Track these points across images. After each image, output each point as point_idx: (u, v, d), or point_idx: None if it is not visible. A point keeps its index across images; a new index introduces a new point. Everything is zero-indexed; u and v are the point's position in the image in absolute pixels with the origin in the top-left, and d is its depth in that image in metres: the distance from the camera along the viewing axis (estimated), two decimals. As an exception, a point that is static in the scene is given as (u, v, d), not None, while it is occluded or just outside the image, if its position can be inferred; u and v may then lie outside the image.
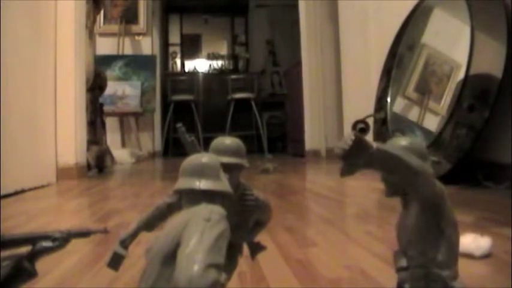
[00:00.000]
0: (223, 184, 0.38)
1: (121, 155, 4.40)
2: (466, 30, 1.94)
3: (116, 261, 0.48)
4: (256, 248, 0.53)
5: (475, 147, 1.80)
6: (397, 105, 2.41)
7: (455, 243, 0.40)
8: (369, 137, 2.65)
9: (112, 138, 4.74)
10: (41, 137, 2.56)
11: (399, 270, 0.40)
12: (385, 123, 2.43)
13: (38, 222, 1.37)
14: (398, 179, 0.39)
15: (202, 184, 0.37)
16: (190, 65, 7.05)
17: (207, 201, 0.36)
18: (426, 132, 2.11)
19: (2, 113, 1.99)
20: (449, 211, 0.39)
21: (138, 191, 2.20)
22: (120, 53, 5.56)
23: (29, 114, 2.40)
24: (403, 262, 0.40)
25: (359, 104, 3.18)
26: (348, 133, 0.36)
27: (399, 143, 0.40)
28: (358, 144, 0.34)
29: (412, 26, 2.41)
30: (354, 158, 0.35)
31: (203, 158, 0.39)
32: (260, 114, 6.15)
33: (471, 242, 0.82)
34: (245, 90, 6.01)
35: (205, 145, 0.50)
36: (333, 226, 1.21)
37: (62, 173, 2.69)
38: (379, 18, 3.10)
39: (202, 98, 6.34)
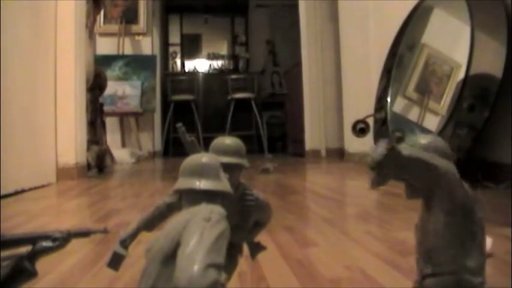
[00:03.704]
0: (223, 184, 0.38)
1: (121, 155, 4.40)
2: (466, 30, 1.94)
3: (116, 261, 0.48)
4: (256, 248, 0.53)
5: (475, 147, 1.80)
6: (397, 105, 2.40)
7: (485, 248, 0.36)
8: (369, 137, 2.65)
9: (112, 138, 4.73)
10: (41, 137, 2.56)
11: (425, 277, 0.37)
12: (385, 123, 2.43)
13: (38, 222, 1.37)
14: (423, 181, 0.36)
15: (202, 184, 0.37)
16: (190, 65, 7.05)
17: (207, 201, 0.36)
18: (426, 132, 2.11)
19: (2, 112, 1.99)
20: (481, 215, 0.36)
21: (138, 191, 2.20)
22: (120, 53, 5.55)
23: (29, 114, 2.40)
24: (428, 269, 0.37)
25: (359, 104, 3.18)
26: (381, 141, 0.33)
27: (420, 142, 0.37)
28: (393, 154, 0.32)
29: (412, 26, 2.41)
30: (388, 168, 0.32)
31: (203, 158, 0.39)
32: (260, 114, 6.15)
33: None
34: (245, 90, 6.01)
35: (205, 145, 0.50)
36: (333, 226, 1.21)
37: (62, 173, 2.69)
38: (379, 18, 3.10)
39: (202, 98, 6.34)
